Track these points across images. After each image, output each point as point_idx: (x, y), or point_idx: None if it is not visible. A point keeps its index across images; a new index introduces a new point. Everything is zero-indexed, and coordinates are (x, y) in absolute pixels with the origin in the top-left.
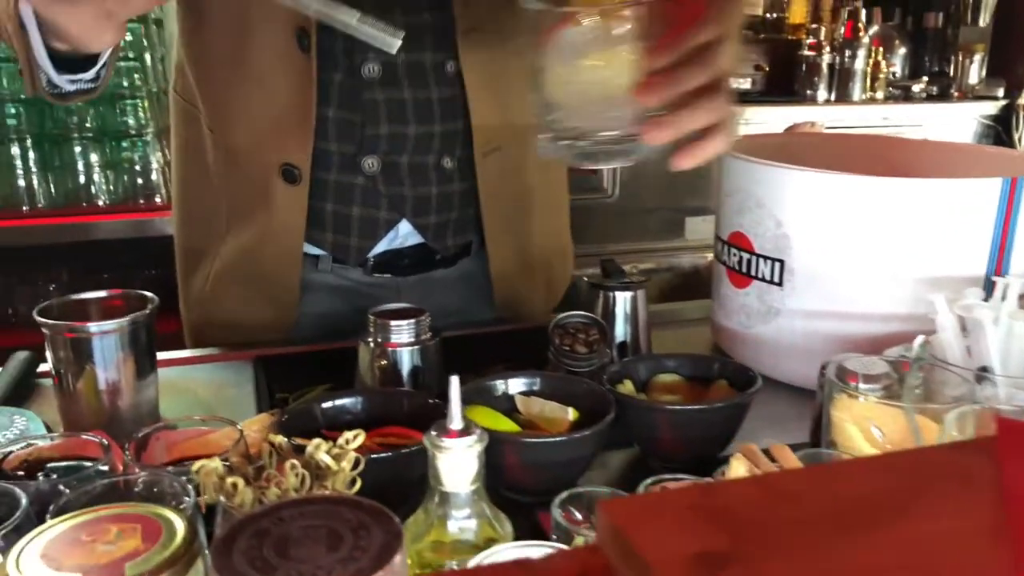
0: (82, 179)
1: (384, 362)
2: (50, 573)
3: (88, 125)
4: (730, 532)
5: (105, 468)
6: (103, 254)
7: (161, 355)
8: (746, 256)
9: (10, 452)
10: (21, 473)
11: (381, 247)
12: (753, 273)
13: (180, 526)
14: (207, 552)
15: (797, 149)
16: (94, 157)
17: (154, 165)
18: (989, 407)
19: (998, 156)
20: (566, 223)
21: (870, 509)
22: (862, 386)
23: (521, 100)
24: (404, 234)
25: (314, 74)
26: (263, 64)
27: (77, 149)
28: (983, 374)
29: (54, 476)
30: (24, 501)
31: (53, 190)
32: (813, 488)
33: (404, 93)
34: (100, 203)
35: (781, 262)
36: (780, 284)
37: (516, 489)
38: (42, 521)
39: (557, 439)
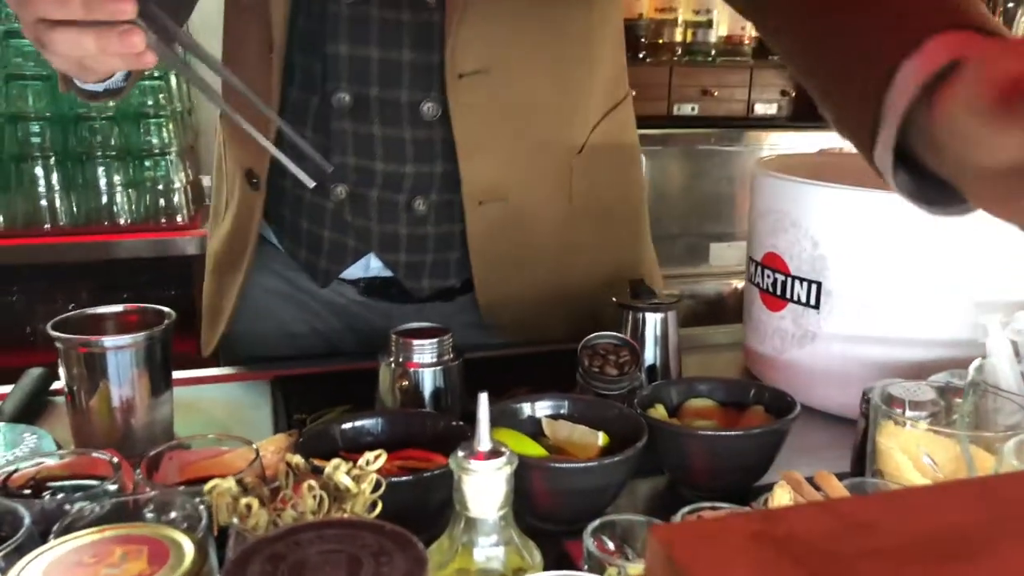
0: (104, 198)
1: (405, 383)
2: None
3: (112, 143)
4: (797, 561)
5: (114, 487)
6: (124, 273)
7: (178, 374)
8: (781, 278)
9: (16, 469)
10: (27, 491)
11: (356, 273)
12: (788, 296)
13: (189, 549)
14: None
15: (833, 168)
16: (117, 176)
17: (176, 184)
18: None
19: None
20: (607, 253)
21: (955, 540)
22: (909, 413)
23: (528, 147)
24: (375, 267)
25: (274, 89)
26: (241, 71)
27: (100, 168)
28: None
29: (60, 495)
30: (27, 520)
31: (75, 208)
32: (888, 517)
33: (373, 129)
34: (122, 222)
35: (818, 284)
36: (816, 307)
37: (543, 517)
38: (46, 541)
39: (587, 465)
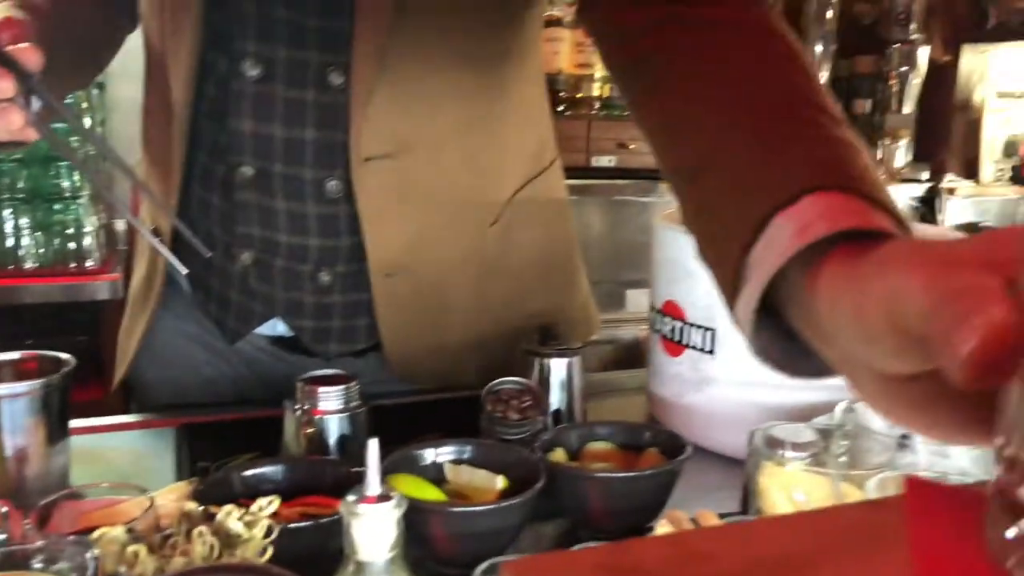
0: (11, 241)
1: (311, 430)
2: None
3: (20, 187)
4: None
5: (2, 537)
6: (31, 318)
7: (81, 422)
8: (679, 325)
9: None
10: None
11: (264, 331)
12: (686, 342)
13: None
14: None
15: None
16: (24, 219)
17: (88, 228)
18: (909, 473)
19: (922, 233)
20: (526, 307)
21: (781, 567)
22: (789, 454)
23: (437, 225)
24: (281, 329)
25: (176, 152)
26: (155, 132)
27: (7, 211)
28: (904, 441)
29: None
30: None
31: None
32: (725, 547)
33: (276, 203)
34: (28, 266)
35: (712, 330)
36: (712, 353)
37: (444, 562)
38: None
39: (483, 508)
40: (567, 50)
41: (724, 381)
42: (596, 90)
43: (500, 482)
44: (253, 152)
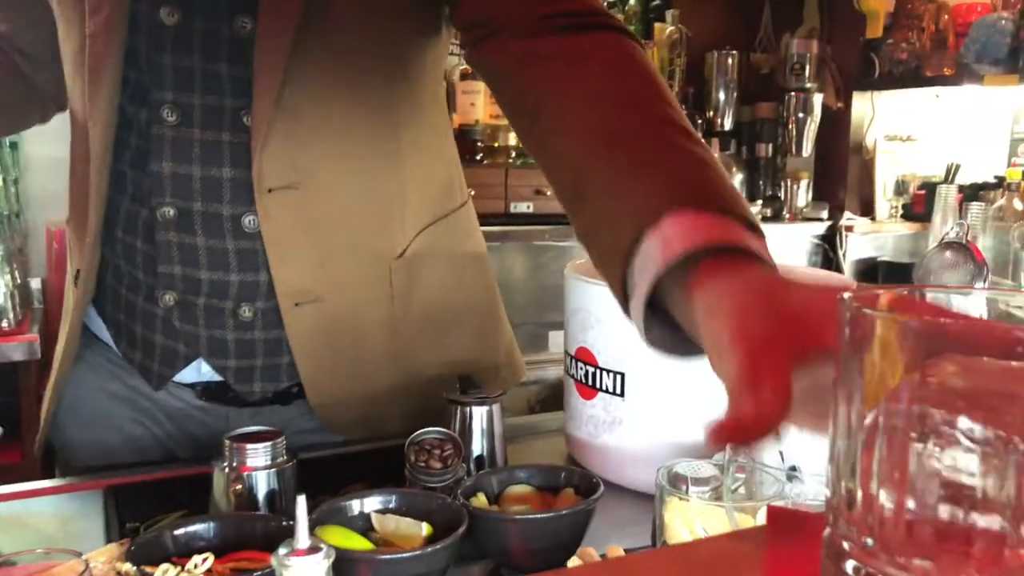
0: None
1: (239, 487)
2: None
3: None
4: None
5: None
6: None
7: (2, 488)
8: (591, 369)
9: None
10: None
11: (190, 377)
12: (598, 385)
13: None
14: None
15: None
16: None
17: (1, 288)
18: (797, 503)
19: (822, 278)
20: (446, 355)
21: None
22: (692, 488)
23: (340, 253)
24: (206, 372)
25: (93, 197)
26: (75, 173)
27: None
28: (793, 473)
29: None
30: None
31: None
32: None
33: (197, 240)
34: None
35: (622, 374)
36: (622, 395)
37: None
38: None
39: (409, 554)
40: (483, 101)
41: (634, 421)
42: (512, 139)
43: (425, 529)
44: (173, 192)
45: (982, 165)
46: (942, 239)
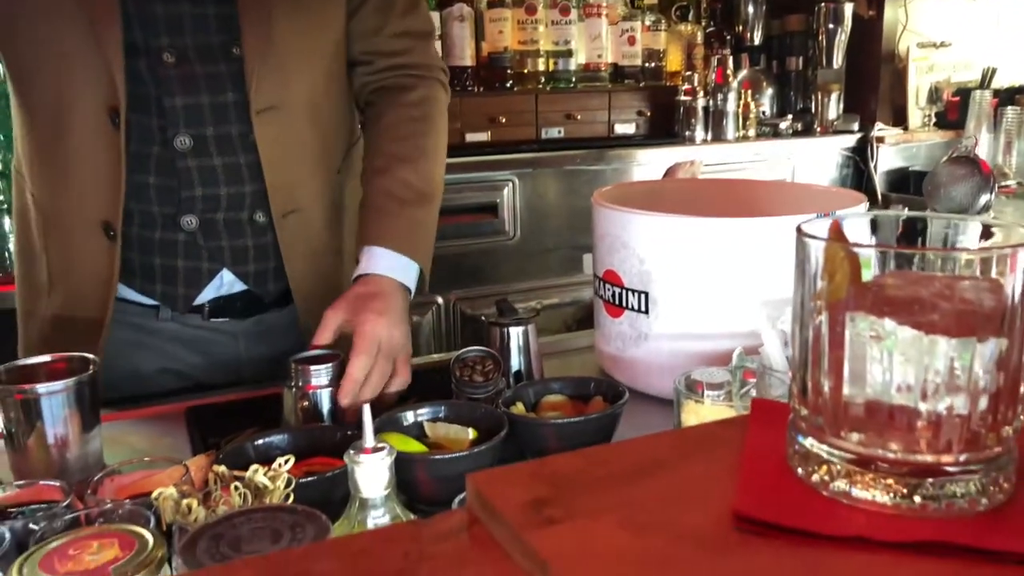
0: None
1: (306, 403)
2: None
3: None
4: (554, 485)
5: (67, 506)
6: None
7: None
8: (618, 290)
9: None
10: None
11: (209, 294)
12: (624, 304)
13: (150, 537)
14: (174, 556)
15: (662, 194)
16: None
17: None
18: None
19: (836, 195)
20: None
21: (652, 464)
22: (707, 392)
23: (312, 170)
24: (228, 282)
25: (122, 146)
26: (80, 137)
27: (6, 219)
28: None
29: (20, 518)
30: (7, 535)
31: None
32: (616, 456)
33: (214, 160)
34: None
35: (646, 294)
36: (647, 312)
37: (427, 502)
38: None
39: (458, 455)
40: (511, 28)
41: (658, 336)
42: (542, 65)
43: (471, 434)
44: (187, 122)
45: (1019, 69)
46: (951, 153)
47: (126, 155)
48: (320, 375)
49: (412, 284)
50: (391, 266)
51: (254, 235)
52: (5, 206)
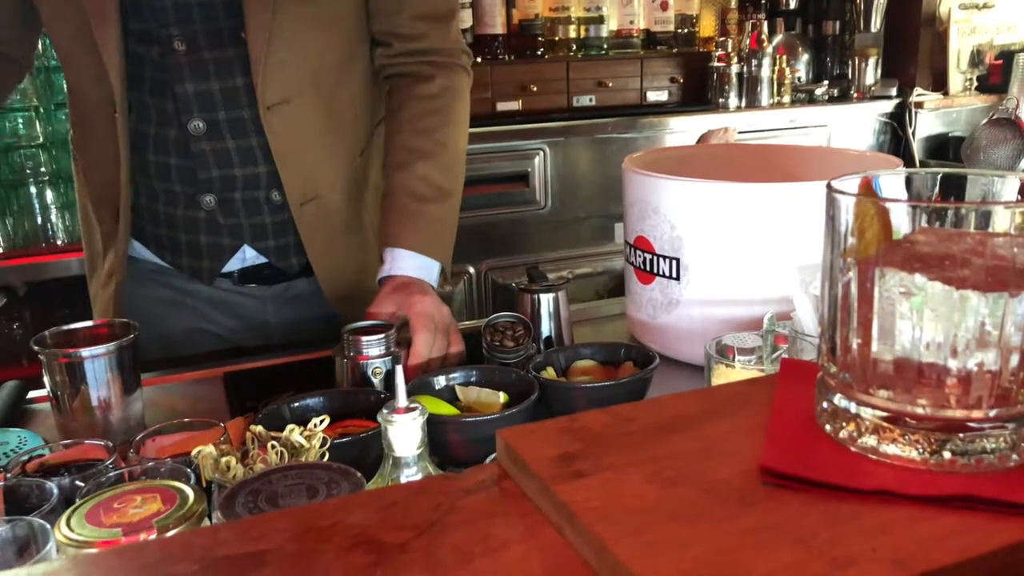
0: (39, 220)
1: (357, 373)
2: (93, 528)
3: (43, 169)
4: (583, 440)
5: (110, 463)
6: (63, 291)
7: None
8: (648, 256)
9: (30, 458)
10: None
11: (234, 266)
12: (655, 271)
13: (190, 492)
14: (214, 511)
15: (693, 160)
16: (50, 198)
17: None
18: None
19: (871, 159)
20: None
21: (679, 422)
22: (738, 357)
23: (330, 156)
24: (251, 256)
25: (119, 133)
26: (91, 120)
27: (33, 190)
28: None
29: (67, 475)
30: (55, 491)
31: (12, 232)
32: (643, 413)
33: (227, 143)
34: (58, 243)
35: (677, 260)
36: (678, 279)
37: (459, 464)
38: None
39: (490, 417)
40: None
41: (689, 302)
42: (572, 32)
43: (502, 397)
44: (199, 107)
45: None
46: (991, 116)
47: (129, 142)
48: (371, 346)
49: (435, 282)
50: (415, 266)
51: (271, 213)
52: (46, 178)
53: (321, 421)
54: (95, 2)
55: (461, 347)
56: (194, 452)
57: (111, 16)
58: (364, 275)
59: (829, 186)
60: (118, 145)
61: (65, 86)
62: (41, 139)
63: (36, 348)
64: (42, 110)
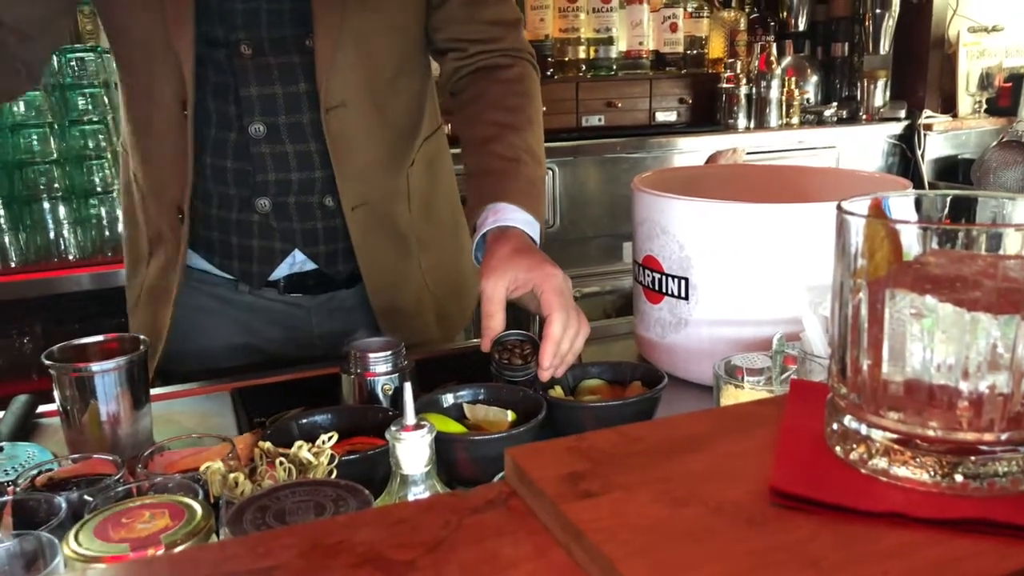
0: (52, 235)
1: (363, 390)
2: (101, 543)
3: (56, 185)
4: (591, 460)
5: (119, 477)
6: (74, 306)
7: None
8: (657, 276)
9: (39, 472)
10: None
11: (283, 271)
12: (664, 290)
13: (198, 508)
14: (222, 527)
15: (701, 180)
16: (63, 214)
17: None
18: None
19: (879, 181)
20: (462, 266)
21: (689, 441)
22: (748, 378)
23: (382, 163)
24: (300, 261)
25: (189, 134)
26: (159, 124)
27: (46, 206)
28: None
29: (75, 489)
30: (64, 505)
31: (24, 247)
32: (652, 433)
33: (286, 147)
34: (70, 258)
35: (686, 280)
36: (687, 298)
37: (466, 482)
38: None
39: (497, 436)
40: (552, 16)
41: (698, 322)
42: (582, 53)
43: (509, 416)
44: (261, 111)
45: None
46: (1001, 138)
47: (194, 143)
48: (378, 363)
49: (538, 240)
50: (521, 219)
51: (324, 218)
52: (59, 194)
53: (329, 438)
54: (174, 5)
55: (588, 328)
56: (202, 468)
57: (187, 18)
58: (404, 286)
59: (839, 207)
60: (186, 144)
61: (120, 92)
62: (55, 155)
63: (47, 362)
64: (56, 127)
